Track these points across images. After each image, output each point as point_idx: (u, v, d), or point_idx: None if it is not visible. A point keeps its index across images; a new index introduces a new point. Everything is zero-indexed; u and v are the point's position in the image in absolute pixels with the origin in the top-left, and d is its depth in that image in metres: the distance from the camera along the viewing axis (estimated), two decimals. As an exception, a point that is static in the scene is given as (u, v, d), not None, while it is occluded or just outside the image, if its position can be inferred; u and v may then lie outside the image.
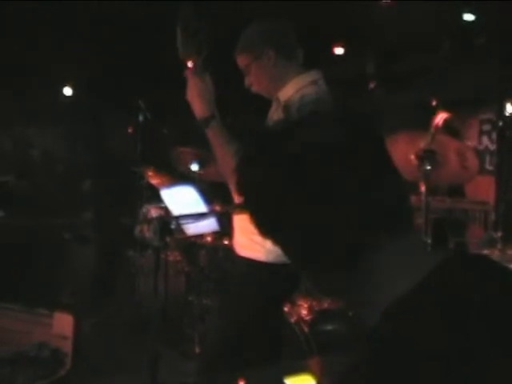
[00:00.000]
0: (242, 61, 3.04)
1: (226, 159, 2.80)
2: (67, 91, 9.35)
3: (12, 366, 4.25)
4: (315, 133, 1.17)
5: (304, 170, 1.14)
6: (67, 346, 4.46)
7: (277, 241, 1.25)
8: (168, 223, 2.19)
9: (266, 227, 1.23)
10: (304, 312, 3.66)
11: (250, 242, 2.98)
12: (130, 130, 7.73)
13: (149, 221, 5.17)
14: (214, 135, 2.78)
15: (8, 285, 5.70)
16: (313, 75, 3.02)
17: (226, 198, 3.29)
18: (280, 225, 1.19)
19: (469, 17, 6.21)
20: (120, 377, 4.74)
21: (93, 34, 6.56)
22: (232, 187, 3.12)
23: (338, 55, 7.42)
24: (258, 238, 2.93)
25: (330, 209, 1.12)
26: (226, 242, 4.90)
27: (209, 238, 5.05)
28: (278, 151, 1.18)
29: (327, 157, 1.13)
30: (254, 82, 3.04)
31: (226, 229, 3.65)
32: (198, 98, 2.79)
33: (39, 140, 8.43)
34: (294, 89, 2.93)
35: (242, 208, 2.96)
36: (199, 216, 3.07)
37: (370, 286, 1.14)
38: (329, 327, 3.83)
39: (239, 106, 4.94)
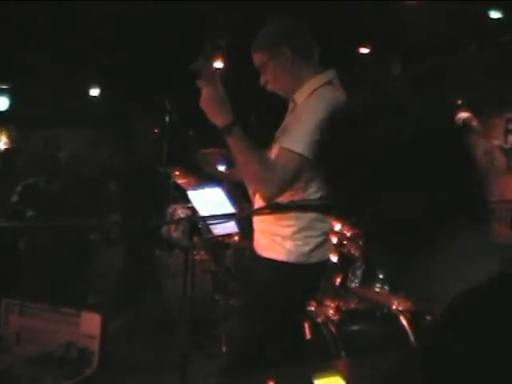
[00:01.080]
0: (258, 59, 3.04)
1: (248, 166, 2.80)
2: (94, 92, 9.43)
3: (40, 366, 4.31)
4: (400, 118, 1.17)
5: (392, 154, 1.14)
6: (94, 346, 4.52)
7: (361, 224, 1.24)
8: (196, 223, 2.19)
9: (354, 212, 1.23)
10: (331, 312, 3.65)
11: (271, 243, 2.99)
12: (156, 131, 7.77)
13: (176, 221, 5.18)
14: (236, 142, 2.77)
15: (36, 285, 5.76)
16: (328, 75, 3.02)
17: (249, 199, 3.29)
18: (368, 208, 1.18)
19: (495, 14, 6.17)
20: (147, 377, 4.76)
21: (120, 36, 6.59)
22: (251, 191, 3.13)
23: (364, 55, 7.40)
24: (279, 239, 2.96)
25: (415, 191, 1.12)
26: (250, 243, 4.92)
27: (236, 238, 5.05)
28: (367, 133, 1.18)
29: (415, 142, 1.13)
30: (270, 81, 3.04)
31: (245, 230, 3.66)
32: (213, 107, 2.79)
33: (67, 142, 8.49)
34: (310, 90, 2.94)
35: (262, 210, 2.98)
36: (227, 216, 3.07)
37: (445, 273, 1.14)
38: (356, 328, 3.82)
39: (263, 105, 4.95)
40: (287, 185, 2.79)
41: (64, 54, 7.11)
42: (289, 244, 2.93)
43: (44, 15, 6.14)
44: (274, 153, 2.93)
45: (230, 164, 3.61)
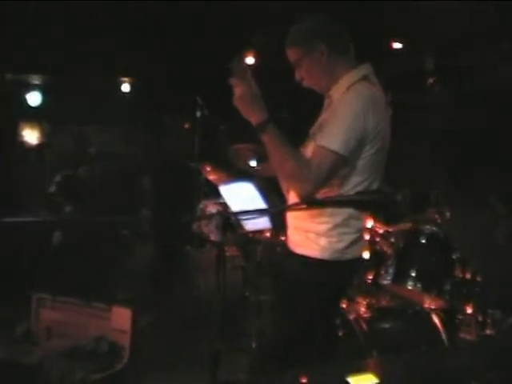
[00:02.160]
0: (292, 54, 3.02)
1: (283, 163, 2.79)
2: (125, 88, 9.45)
3: (70, 360, 4.34)
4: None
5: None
6: (125, 340, 4.54)
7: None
8: (229, 219, 2.18)
9: None
10: (362, 309, 3.63)
11: (305, 240, 2.97)
12: (187, 127, 7.79)
13: (208, 216, 5.17)
14: (270, 140, 2.76)
15: (68, 279, 5.80)
16: (364, 70, 2.99)
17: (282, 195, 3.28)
18: None
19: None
20: (177, 373, 4.76)
21: (152, 32, 6.60)
22: (285, 188, 3.11)
23: (397, 50, 7.33)
24: (313, 236, 2.94)
25: None
26: (283, 238, 4.91)
27: (267, 234, 5.04)
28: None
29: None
30: (306, 77, 3.03)
31: (278, 226, 3.64)
32: (246, 105, 2.78)
33: (98, 138, 8.55)
34: (346, 85, 2.92)
35: (296, 206, 2.96)
36: (259, 212, 3.06)
37: None
38: (387, 325, 3.78)
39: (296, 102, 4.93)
40: (322, 182, 2.77)
41: (96, 50, 7.14)
42: (323, 241, 2.92)
43: (77, 11, 6.16)
44: (309, 150, 2.91)
45: (261, 159, 3.60)
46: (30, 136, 9.79)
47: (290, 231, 3.11)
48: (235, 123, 3.09)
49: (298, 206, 2.87)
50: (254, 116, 2.77)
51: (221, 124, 6.40)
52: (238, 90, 2.78)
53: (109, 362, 4.42)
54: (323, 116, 3.04)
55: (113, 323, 4.66)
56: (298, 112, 4.93)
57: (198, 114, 6.52)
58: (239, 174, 3.93)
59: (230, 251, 5.72)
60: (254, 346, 5.10)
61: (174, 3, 5.88)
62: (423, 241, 3.48)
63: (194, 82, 6.95)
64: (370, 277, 3.78)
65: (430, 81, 6.85)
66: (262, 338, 3.38)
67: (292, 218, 3.08)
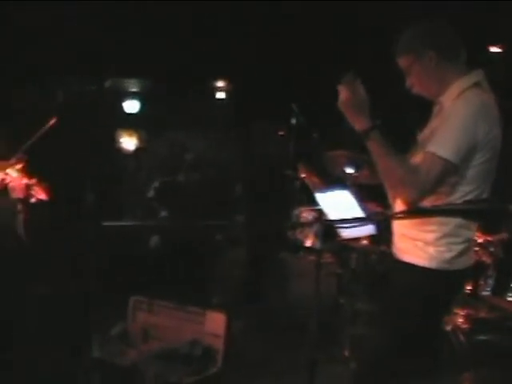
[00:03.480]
0: (403, 62, 3.00)
1: (389, 170, 2.78)
2: (220, 95, 9.59)
3: (165, 362, 4.41)
4: None
5: None
6: (219, 345, 4.58)
7: None
8: (329, 226, 2.18)
9: None
10: (461, 321, 3.56)
11: (413, 248, 2.93)
12: (281, 134, 7.81)
13: (307, 224, 5.17)
14: (375, 147, 2.76)
15: (163, 283, 5.90)
16: (475, 76, 2.93)
17: (383, 202, 3.24)
18: None
19: None
20: (270, 379, 4.76)
21: (247, 38, 6.66)
22: (391, 195, 3.08)
23: (496, 54, 7.18)
24: (421, 244, 2.89)
25: None
26: (380, 248, 4.85)
27: (363, 242, 5.00)
28: None
29: None
30: (416, 83, 3.00)
31: (382, 233, 3.60)
32: (351, 111, 2.78)
33: (193, 144, 8.67)
34: (457, 92, 2.87)
35: (401, 214, 2.92)
36: (357, 220, 3.04)
37: None
38: (486, 337, 3.69)
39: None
40: (430, 189, 2.73)
41: (191, 57, 7.26)
42: (431, 249, 2.87)
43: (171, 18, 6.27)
44: (418, 157, 2.87)
45: (359, 166, 3.57)
46: (128, 143, 10.06)
47: (397, 238, 3.07)
48: (329, 130, 3.09)
49: (403, 215, 2.85)
50: (358, 123, 2.77)
51: (315, 131, 6.39)
52: (343, 96, 2.78)
53: (202, 365, 4.47)
54: (433, 123, 3.00)
55: (207, 327, 4.70)
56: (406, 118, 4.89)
57: (293, 121, 6.54)
58: (335, 181, 3.91)
59: (325, 258, 5.69)
60: (346, 354, 5.06)
61: (276, 6, 5.91)
62: (524, 251, 3.39)
63: (288, 88, 6.98)
64: (469, 287, 3.70)
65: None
66: (365, 349, 3.32)
67: (399, 225, 3.04)
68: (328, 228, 2.14)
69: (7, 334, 3.81)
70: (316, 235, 2.48)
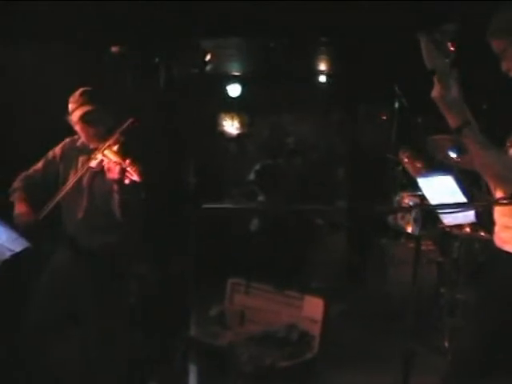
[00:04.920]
0: (498, 45, 2.84)
1: (485, 165, 2.70)
2: (322, 78, 9.51)
3: (261, 345, 4.41)
4: None
5: None
6: (316, 330, 4.55)
7: None
8: (429, 212, 2.10)
9: None
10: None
11: None
12: (384, 118, 7.68)
13: (407, 209, 5.05)
14: (470, 143, 2.65)
15: (262, 267, 5.90)
16: None
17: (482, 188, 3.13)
18: None
19: None
20: (366, 366, 4.69)
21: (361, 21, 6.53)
22: (492, 185, 2.95)
23: None
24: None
25: None
26: (482, 234, 4.68)
27: (467, 229, 4.84)
28: None
29: None
30: None
31: (483, 221, 3.48)
32: (443, 107, 2.67)
33: (294, 128, 8.65)
34: None
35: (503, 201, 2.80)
36: (461, 206, 2.93)
37: None
38: None
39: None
40: None
41: (297, 43, 7.22)
42: None
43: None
44: None
45: (461, 151, 3.45)
46: (230, 127, 10.13)
47: (498, 228, 2.95)
48: (433, 114, 2.98)
49: (505, 201, 2.73)
50: (450, 119, 2.67)
51: (418, 115, 6.25)
52: (436, 90, 2.68)
53: (299, 350, 4.44)
54: None
55: (304, 312, 4.68)
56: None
57: (396, 104, 6.42)
58: (438, 165, 3.80)
59: (426, 245, 5.56)
60: (446, 345, 4.93)
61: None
62: None
63: (392, 71, 6.83)
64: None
65: None
66: (462, 343, 3.20)
67: (500, 215, 2.92)
68: (428, 214, 2.05)
69: (110, 314, 3.87)
70: (414, 221, 2.40)
